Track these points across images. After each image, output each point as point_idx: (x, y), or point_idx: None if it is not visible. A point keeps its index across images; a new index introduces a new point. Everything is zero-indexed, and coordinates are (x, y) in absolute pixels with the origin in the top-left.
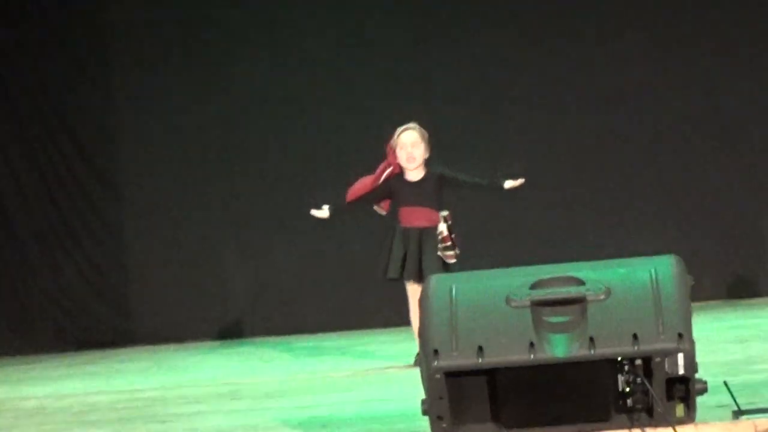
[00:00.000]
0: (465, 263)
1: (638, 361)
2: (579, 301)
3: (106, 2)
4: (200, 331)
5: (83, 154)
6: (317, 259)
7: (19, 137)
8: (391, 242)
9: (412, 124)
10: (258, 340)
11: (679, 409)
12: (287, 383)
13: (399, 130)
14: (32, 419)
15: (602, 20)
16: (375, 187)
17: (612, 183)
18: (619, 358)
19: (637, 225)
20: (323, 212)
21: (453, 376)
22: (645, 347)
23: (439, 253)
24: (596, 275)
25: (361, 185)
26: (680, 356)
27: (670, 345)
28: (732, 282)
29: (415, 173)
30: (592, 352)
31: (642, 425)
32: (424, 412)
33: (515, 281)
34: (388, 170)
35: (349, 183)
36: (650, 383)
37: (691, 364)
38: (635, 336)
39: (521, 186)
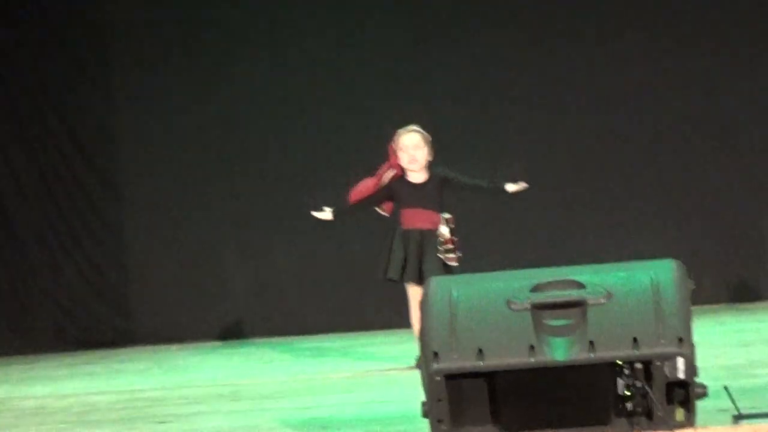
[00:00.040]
0: (465, 265)
1: (638, 365)
2: (579, 304)
3: (106, 2)
4: (201, 331)
5: (83, 154)
6: (318, 260)
7: (19, 137)
8: (392, 243)
9: (414, 126)
10: (258, 340)
11: (679, 413)
12: (287, 384)
13: (400, 132)
14: (32, 419)
15: (602, 20)
16: (377, 189)
17: (613, 184)
18: (619, 362)
19: (638, 226)
20: (326, 214)
21: (453, 378)
22: (645, 351)
23: (440, 255)
24: (597, 279)
25: (364, 187)
26: (680, 360)
27: (670, 349)
28: (734, 285)
29: (417, 175)
30: (592, 355)
31: (642, 429)
32: (424, 415)
33: (516, 284)
34: (390, 172)
35: (350, 183)
36: (650, 387)
37: (691, 369)
38: (635, 340)
39: (524, 190)
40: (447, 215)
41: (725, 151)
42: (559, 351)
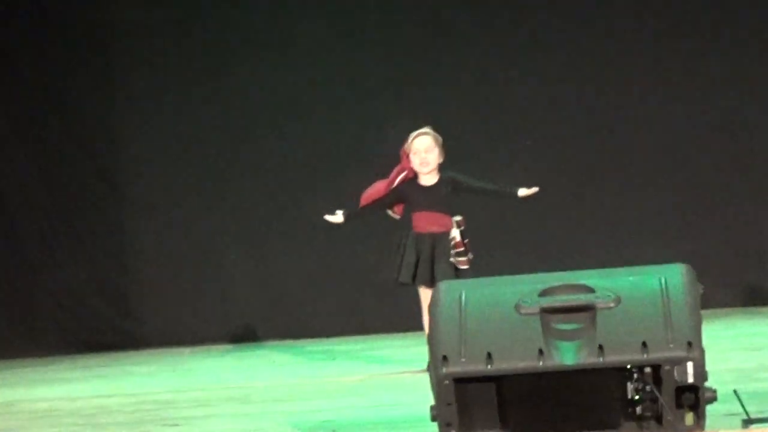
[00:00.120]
0: (475, 269)
1: (647, 369)
2: (588, 308)
3: (106, 2)
4: (211, 334)
5: (87, 156)
6: (329, 263)
7: (20, 137)
8: (404, 247)
9: (426, 129)
10: (269, 343)
11: (689, 418)
12: (297, 387)
13: (413, 134)
14: (43, 421)
15: (610, 25)
16: (388, 191)
17: (623, 188)
18: (629, 366)
19: (650, 231)
20: (337, 217)
21: (462, 382)
22: (654, 355)
23: (451, 259)
24: (606, 283)
25: (375, 190)
26: (689, 365)
27: (680, 353)
28: (747, 290)
29: (428, 178)
30: (601, 359)
31: None
32: (433, 419)
33: (525, 288)
34: (402, 175)
35: (361, 186)
36: (659, 391)
37: (701, 373)
38: (644, 344)
39: (535, 195)
40: (458, 217)
41: (739, 156)
42: (568, 355)
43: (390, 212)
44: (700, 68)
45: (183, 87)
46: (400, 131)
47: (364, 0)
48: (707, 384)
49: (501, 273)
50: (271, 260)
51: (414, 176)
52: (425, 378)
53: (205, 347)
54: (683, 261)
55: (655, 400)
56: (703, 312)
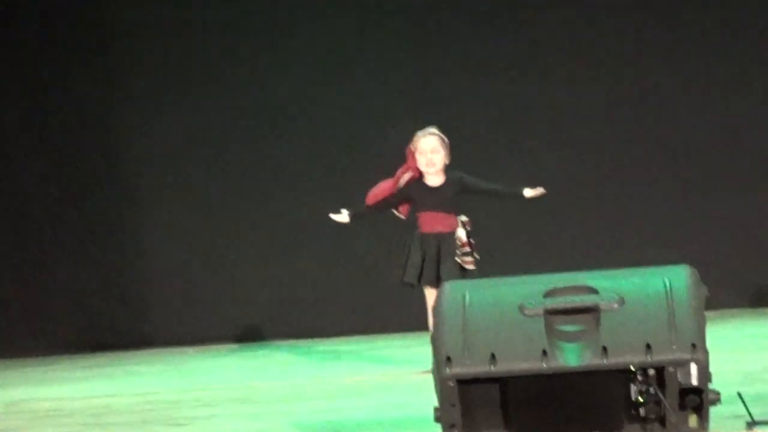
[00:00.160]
0: (480, 269)
1: (651, 371)
2: (592, 310)
3: (106, 2)
4: (217, 334)
5: (87, 156)
6: (334, 263)
7: (21, 137)
8: (410, 247)
9: (433, 129)
10: (274, 343)
11: (692, 420)
12: (303, 387)
13: (419, 134)
14: (49, 420)
15: (617, 26)
16: (394, 191)
17: (628, 189)
18: (632, 368)
19: (655, 231)
20: (343, 217)
21: (465, 383)
22: (658, 357)
23: (457, 258)
24: (610, 284)
25: (380, 189)
26: (693, 366)
27: (683, 355)
28: (754, 290)
29: (434, 178)
30: (605, 361)
31: None
32: (437, 419)
33: (529, 289)
34: (407, 175)
35: (367, 186)
36: (663, 393)
37: (705, 375)
38: (648, 346)
39: (541, 195)
40: (464, 218)
41: (745, 155)
42: (572, 356)
43: (396, 212)
44: (704, 69)
45: (183, 87)
46: (402, 130)
47: (364, 0)
48: (711, 386)
49: (505, 274)
50: (276, 260)
51: (420, 176)
52: (429, 379)
53: (209, 347)
54: (689, 262)
55: (658, 402)
56: (709, 313)
